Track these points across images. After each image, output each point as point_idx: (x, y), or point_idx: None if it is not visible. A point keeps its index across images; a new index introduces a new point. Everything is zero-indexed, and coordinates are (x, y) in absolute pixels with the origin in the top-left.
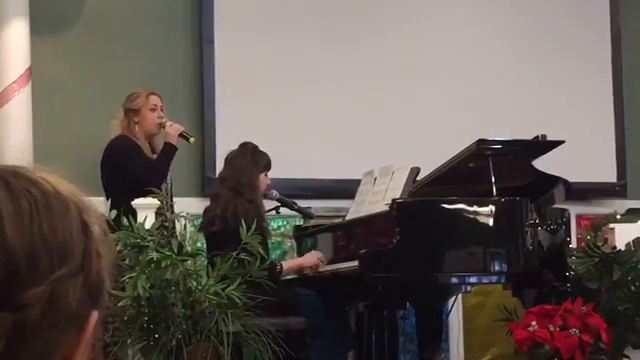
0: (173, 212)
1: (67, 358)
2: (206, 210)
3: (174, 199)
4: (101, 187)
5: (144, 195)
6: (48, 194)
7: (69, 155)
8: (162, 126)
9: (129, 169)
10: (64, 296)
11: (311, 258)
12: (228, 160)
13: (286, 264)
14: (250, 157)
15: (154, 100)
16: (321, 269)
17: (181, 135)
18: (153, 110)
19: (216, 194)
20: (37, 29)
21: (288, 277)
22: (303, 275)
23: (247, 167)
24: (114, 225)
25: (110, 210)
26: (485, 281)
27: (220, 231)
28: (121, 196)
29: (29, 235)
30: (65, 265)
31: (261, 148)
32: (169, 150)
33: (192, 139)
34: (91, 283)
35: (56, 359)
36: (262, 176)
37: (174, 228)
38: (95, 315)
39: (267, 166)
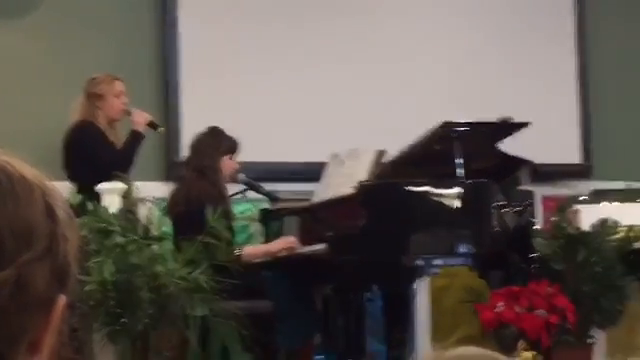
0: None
1: (35, 342)
2: (172, 192)
3: (138, 183)
4: (62, 172)
5: (109, 179)
6: (12, 178)
7: (30, 139)
8: (127, 113)
9: (96, 156)
10: (31, 280)
11: (279, 244)
12: (192, 143)
13: (252, 249)
14: (214, 140)
15: (119, 86)
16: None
17: (149, 124)
18: (118, 96)
19: (180, 176)
20: None
21: (255, 261)
22: (271, 259)
23: (210, 149)
24: (78, 210)
25: (76, 194)
26: (451, 263)
27: (184, 212)
28: (86, 181)
29: None
30: (31, 249)
31: (227, 132)
32: (137, 138)
33: (161, 129)
34: (58, 267)
35: (24, 343)
36: (227, 159)
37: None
38: (63, 299)
39: (231, 149)
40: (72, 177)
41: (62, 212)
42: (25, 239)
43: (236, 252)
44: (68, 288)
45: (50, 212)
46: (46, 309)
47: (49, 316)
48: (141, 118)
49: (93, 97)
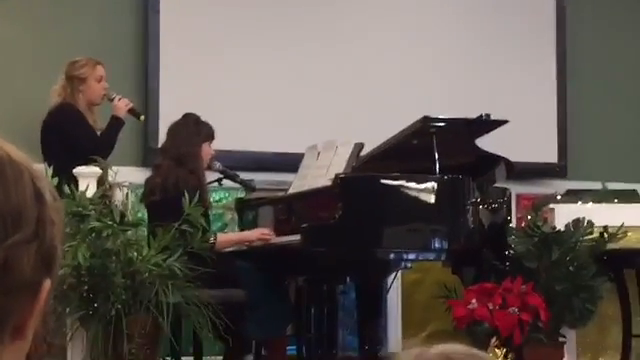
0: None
1: (20, 326)
2: (147, 180)
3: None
4: (41, 154)
5: (86, 163)
6: (1, 160)
7: (10, 121)
8: (109, 98)
9: (76, 139)
10: (18, 263)
11: (254, 233)
12: (170, 130)
13: (226, 236)
14: (192, 127)
15: (100, 70)
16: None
17: (130, 111)
18: (99, 81)
19: (157, 164)
20: None
21: (228, 250)
22: (245, 248)
23: (189, 137)
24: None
25: (52, 177)
26: (424, 258)
27: (160, 200)
28: (63, 164)
29: None
30: (19, 232)
31: (204, 119)
32: (117, 124)
33: (142, 117)
34: (45, 250)
35: (9, 326)
36: (205, 146)
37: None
38: (48, 283)
39: (209, 136)
40: (49, 159)
41: (49, 195)
42: (13, 222)
43: (211, 240)
44: (54, 272)
45: (38, 195)
46: (32, 293)
47: (35, 300)
48: (122, 104)
49: (75, 80)
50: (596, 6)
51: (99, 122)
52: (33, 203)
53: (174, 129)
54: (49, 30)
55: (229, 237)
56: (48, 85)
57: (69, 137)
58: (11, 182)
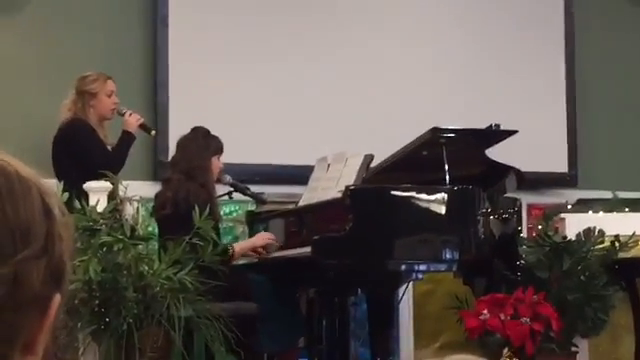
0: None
1: (30, 342)
2: (157, 194)
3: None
4: (51, 169)
5: (97, 178)
6: (10, 176)
7: (21, 136)
8: (119, 113)
9: (89, 154)
10: (28, 278)
11: (261, 237)
12: (179, 144)
13: (238, 246)
14: (202, 141)
15: (111, 85)
16: (274, 254)
17: (141, 126)
18: (109, 95)
19: (167, 178)
20: None
21: (240, 262)
22: (256, 260)
23: (199, 151)
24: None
25: (63, 192)
26: (436, 269)
27: (171, 215)
28: (74, 179)
29: None
30: (28, 247)
31: (214, 132)
32: (128, 139)
33: (153, 132)
34: (54, 266)
35: (20, 342)
36: (214, 159)
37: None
38: (58, 298)
39: (219, 149)
40: (60, 174)
41: (58, 211)
42: (22, 237)
43: (230, 250)
44: (63, 287)
45: (47, 211)
46: (42, 308)
47: (44, 315)
48: (133, 119)
49: (85, 95)
50: (605, 14)
51: (110, 137)
52: (42, 218)
53: (183, 143)
54: (58, 45)
55: (240, 246)
56: (57, 100)
57: (80, 152)
58: (20, 198)
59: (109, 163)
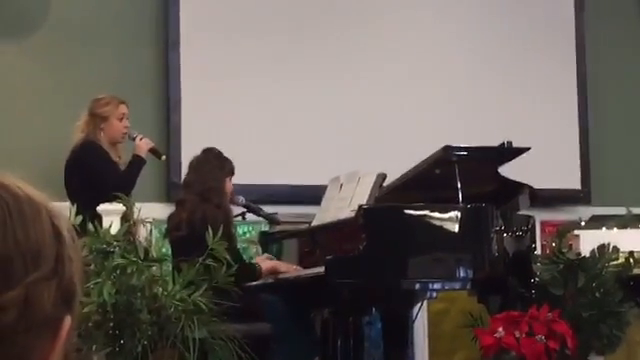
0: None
1: None
2: (171, 216)
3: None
4: (64, 192)
5: (110, 200)
6: (20, 199)
7: (32, 159)
8: (130, 138)
9: (101, 176)
10: (39, 300)
11: (286, 265)
12: (192, 165)
13: (263, 265)
14: (215, 162)
15: (123, 109)
16: (286, 275)
17: (151, 150)
18: (121, 119)
19: (181, 200)
20: (2, 32)
21: (253, 283)
22: (271, 281)
23: (213, 172)
24: (79, 230)
25: (76, 215)
26: (450, 287)
27: (186, 236)
28: (87, 201)
29: (2, 239)
30: (39, 269)
31: (227, 153)
32: (139, 163)
33: (163, 157)
34: (64, 287)
35: None
36: (227, 181)
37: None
38: (69, 320)
39: (231, 171)
40: (72, 196)
41: (67, 233)
42: (33, 259)
43: (258, 267)
44: (74, 309)
45: (56, 233)
46: (53, 330)
47: (56, 337)
48: (143, 144)
49: (97, 118)
50: (616, 30)
51: (124, 157)
52: (51, 241)
53: (196, 164)
54: (70, 68)
55: (266, 265)
56: (70, 122)
57: (92, 174)
58: (29, 221)
59: (120, 185)
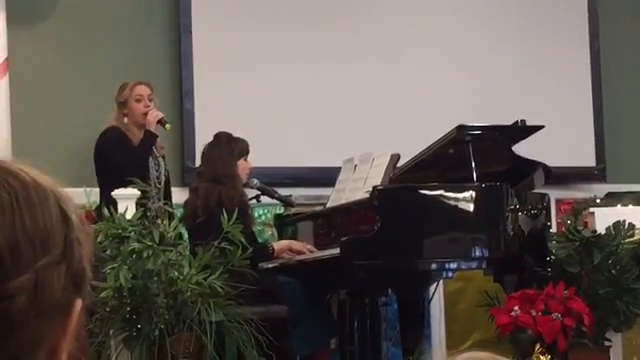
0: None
1: (54, 347)
2: (186, 202)
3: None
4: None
5: (125, 185)
6: (27, 184)
7: (47, 146)
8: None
9: (110, 158)
10: (49, 284)
11: (301, 244)
12: (203, 155)
13: (277, 245)
14: (225, 147)
15: (139, 90)
16: (302, 257)
17: (159, 122)
18: (138, 101)
19: (194, 187)
20: (14, 20)
21: (269, 265)
22: (284, 263)
23: (223, 157)
24: (95, 215)
25: (100, 200)
26: (466, 267)
27: (205, 221)
28: (107, 186)
29: (10, 226)
30: (48, 253)
31: (240, 136)
32: (147, 138)
33: (168, 125)
34: (74, 271)
35: (44, 348)
36: (241, 162)
37: (159, 217)
38: (79, 303)
39: (244, 151)
40: (99, 183)
41: (75, 217)
42: (41, 244)
43: (270, 248)
44: (84, 292)
45: (64, 217)
46: (63, 313)
47: (67, 320)
48: (152, 117)
49: (120, 104)
50: (630, 7)
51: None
52: (59, 225)
53: (207, 152)
54: (82, 55)
55: (279, 245)
56: (83, 110)
57: (106, 159)
58: (37, 206)
59: (130, 162)
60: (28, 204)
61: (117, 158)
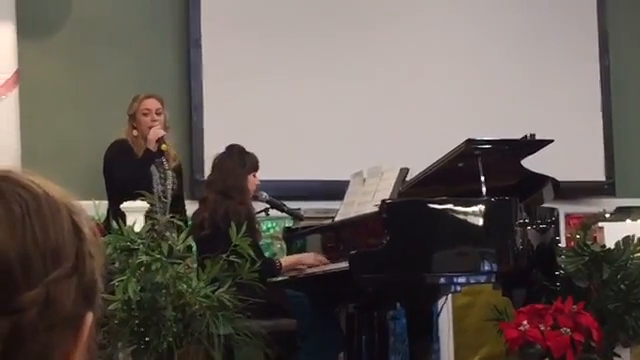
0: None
1: None
2: (195, 214)
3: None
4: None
5: (134, 198)
6: (39, 197)
7: (57, 159)
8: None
9: (111, 172)
10: (60, 298)
11: (309, 256)
12: (215, 164)
13: (284, 261)
14: (237, 159)
15: (147, 104)
16: (311, 271)
17: (158, 141)
18: (145, 114)
19: (204, 198)
20: (24, 33)
21: (278, 279)
22: (293, 277)
23: (234, 169)
24: (104, 228)
25: (108, 213)
26: (475, 281)
27: (210, 234)
28: (115, 199)
29: (22, 238)
30: (59, 267)
31: (249, 150)
32: (145, 157)
33: (164, 146)
34: (85, 284)
35: None
36: (251, 177)
37: (167, 230)
38: (90, 316)
39: (254, 167)
40: (108, 196)
41: (87, 230)
42: (53, 257)
43: (277, 264)
44: (95, 305)
45: (76, 230)
46: (75, 326)
47: (78, 333)
48: (152, 136)
49: (130, 116)
50: (639, 19)
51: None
52: (71, 238)
53: (219, 162)
54: (91, 67)
55: (288, 260)
56: (93, 123)
57: (109, 172)
58: (49, 218)
59: (127, 176)
60: (39, 217)
61: (116, 173)
